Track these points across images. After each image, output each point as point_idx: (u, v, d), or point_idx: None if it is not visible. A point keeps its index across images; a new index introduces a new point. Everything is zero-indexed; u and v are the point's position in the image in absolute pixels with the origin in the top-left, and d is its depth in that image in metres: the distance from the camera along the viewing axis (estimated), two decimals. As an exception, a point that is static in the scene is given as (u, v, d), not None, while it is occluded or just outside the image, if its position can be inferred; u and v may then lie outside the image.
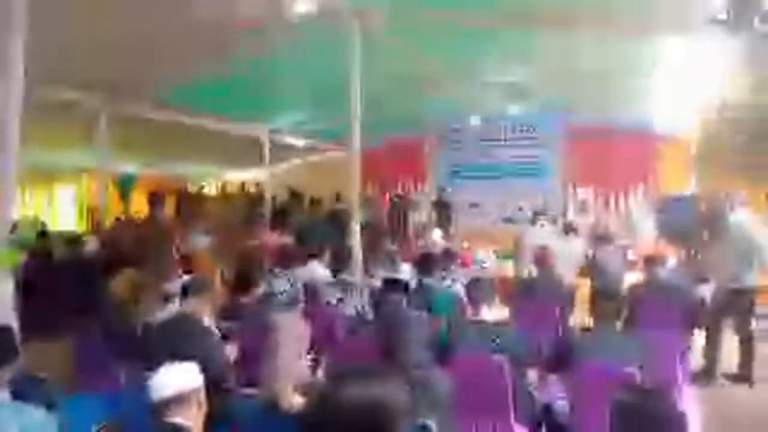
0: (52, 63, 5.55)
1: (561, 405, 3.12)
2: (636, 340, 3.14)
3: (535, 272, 5.41)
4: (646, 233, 9.84)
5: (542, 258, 5.23)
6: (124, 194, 13.42)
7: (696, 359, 4.76)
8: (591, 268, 6.07)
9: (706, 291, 5.05)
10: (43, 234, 7.50)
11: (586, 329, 3.37)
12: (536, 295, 4.75)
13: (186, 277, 3.45)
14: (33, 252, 6.50)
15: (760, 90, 4.14)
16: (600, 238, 7.61)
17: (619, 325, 3.33)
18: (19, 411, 2.06)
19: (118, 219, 9.78)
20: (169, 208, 12.34)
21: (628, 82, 8.05)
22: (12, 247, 3.25)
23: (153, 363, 2.79)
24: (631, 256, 7.48)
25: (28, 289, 5.09)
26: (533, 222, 7.81)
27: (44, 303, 4.81)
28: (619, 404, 1.51)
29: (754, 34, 3.82)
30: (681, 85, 7.47)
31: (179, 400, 2.03)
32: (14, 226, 9.46)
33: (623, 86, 8.26)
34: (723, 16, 3.92)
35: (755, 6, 3.77)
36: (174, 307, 3.40)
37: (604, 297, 3.38)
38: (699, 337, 4.76)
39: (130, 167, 12.78)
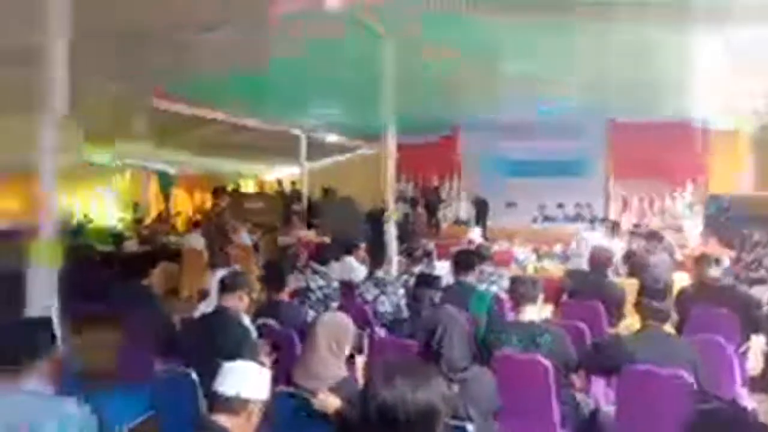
0: (94, 55, 5.68)
1: (608, 411, 2.97)
2: (687, 343, 2.96)
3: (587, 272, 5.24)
4: (694, 232, 9.45)
5: (599, 258, 5.05)
6: (165, 191, 13.73)
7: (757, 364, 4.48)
8: (637, 267, 5.82)
9: (763, 293, 4.77)
10: (83, 230, 7.68)
11: (634, 331, 3.21)
12: (585, 295, 4.57)
13: (221, 272, 3.43)
14: (76, 247, 6.67)
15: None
16: (646, 236, 7.33)
17: (668, 327, 3.15)
18: (56, 404, 2.05)
19: (159, 214, 10.00)
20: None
21: (674, 75, 7.73)
22: (55, 243, 3.29)
23: (189, 359, 2.79)
24: (678, 255, 7.19)
25: (70, 283, 5.23)
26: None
27: (87, 298, 4.92)
28: (699, 416, 1.38)
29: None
30: (732, 77, 7.13)
31: (232, 403, 1.91)
32: (63, 222, 9.81)
33: (668, 80, 7.94)
34: None
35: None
36: (212, 302, 3.39)
37: (651, 298, 3.21)
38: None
39: (170, 166, 13.04)
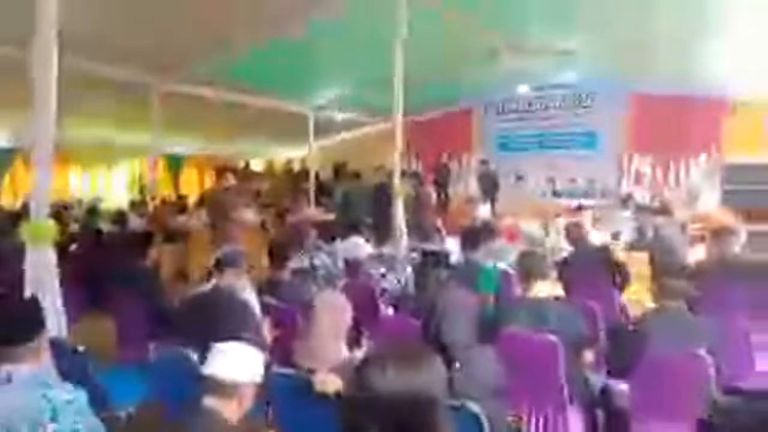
0: (105, 41, 5.61)
1: (620, 389, 2.87)
2: (706, 322, 2.83)
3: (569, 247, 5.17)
4: (709, 205, 9.23)
5: (573, 232, 4.97)
6: (174, 173, 13.70)
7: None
8: (650, 243, 5.68)
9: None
10: (92, 211, 7.66)
11: (650, 309, 3.08)
12: (578, 270, 4.46)
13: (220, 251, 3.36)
14: (83, 228, 6.64)
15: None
16: (658, 211, 7.16)
17: (684, 304, 3.01)
18: (50, 388, 1.98)
19: (167, 196, 9.96)
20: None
21: (691, 43, 7.46)
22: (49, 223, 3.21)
23: (183, 338, 2.73)
24: (690, 229, 7.02)
25: (77, 262, 5.20)
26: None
27: (91, 277, 4.87)
28: (719, 410, 1.27)
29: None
30: (754, 44, 6.86)
31: (224, 387, 1.86)
32: (78, 204, 9.84)
33: (686, 48, 7.66)
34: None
35: None
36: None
37: (667, 274, 3.08)
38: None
39: (180, 147, 12.97)
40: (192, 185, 14.29)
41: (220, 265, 3.09)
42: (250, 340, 2.18)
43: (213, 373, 1.86)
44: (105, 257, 5.16)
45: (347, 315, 2.65)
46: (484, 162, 11.71)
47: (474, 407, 2.00)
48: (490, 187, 11.02)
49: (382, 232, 5.86)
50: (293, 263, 4.19)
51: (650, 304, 3.26)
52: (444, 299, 2.25)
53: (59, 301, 3.31)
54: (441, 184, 11.75)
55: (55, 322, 3.18)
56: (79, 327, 3.91)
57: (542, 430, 2.86)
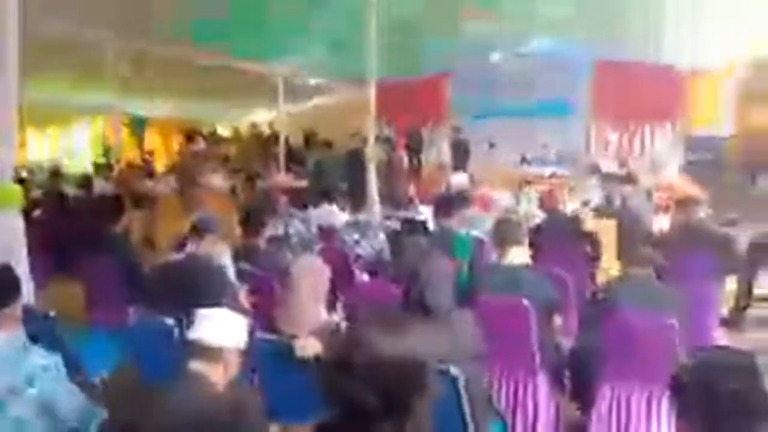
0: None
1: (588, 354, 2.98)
2: (672, 290, 2.94)
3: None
4: (671, 174, 9.49)
5: (547, 200, 5.07)
6: (138, 136, 13.28)
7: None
8: (618, 211, 5.82)
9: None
10: (55, 174, 7.41)
11: (617, 277, 3.18)
12: (549, 237, 4.57)
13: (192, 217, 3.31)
14: (47, 193, 6.43)
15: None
16: (624, 179, 7.32)
17: (652, 272, 3.10)
18: (25, 353, 1.96)
19: (129, 163, 9.67)
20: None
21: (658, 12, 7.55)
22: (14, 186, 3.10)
23: (158, 305, 2.71)
24: (656, 198, 7.23)
25: (42, 228, 5.04)
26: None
27: (58, 242, 4.75)
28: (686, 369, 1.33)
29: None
30: (720, 15, 6.99)
31: (210, 351, 1.88)
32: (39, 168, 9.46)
33: (654, 17, 7.75)
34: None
35: None
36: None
37: (632, 242, 3.18)
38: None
39: (142, 109, 12.55)
40: (156, 149, 13.91)
41: (197, 230, 3.03)
42: (229, 306, 2.19)
43: (199, 338, 1.86)
44: (72, 222, 5.02)
45: (325, 277, 2.67)
46: (456, 129, 11.68)
47: (454, 371, 2.05)
48: (461, 154, 11.03)
49: (356, 199, 5.86)
50: (267, 230, 4.16)
51: (616, 272, 3.37)
52: (428, 268, 2.28)
53: (27, 267, 3.24)
54: (413, 150, 11.69)
55: (24, 288, 3.11)
56: (46, 293, 3.84)
57: (513, 394, 2.96)
